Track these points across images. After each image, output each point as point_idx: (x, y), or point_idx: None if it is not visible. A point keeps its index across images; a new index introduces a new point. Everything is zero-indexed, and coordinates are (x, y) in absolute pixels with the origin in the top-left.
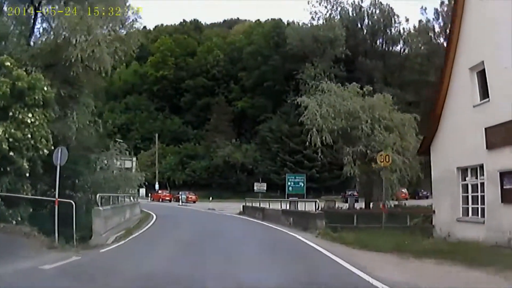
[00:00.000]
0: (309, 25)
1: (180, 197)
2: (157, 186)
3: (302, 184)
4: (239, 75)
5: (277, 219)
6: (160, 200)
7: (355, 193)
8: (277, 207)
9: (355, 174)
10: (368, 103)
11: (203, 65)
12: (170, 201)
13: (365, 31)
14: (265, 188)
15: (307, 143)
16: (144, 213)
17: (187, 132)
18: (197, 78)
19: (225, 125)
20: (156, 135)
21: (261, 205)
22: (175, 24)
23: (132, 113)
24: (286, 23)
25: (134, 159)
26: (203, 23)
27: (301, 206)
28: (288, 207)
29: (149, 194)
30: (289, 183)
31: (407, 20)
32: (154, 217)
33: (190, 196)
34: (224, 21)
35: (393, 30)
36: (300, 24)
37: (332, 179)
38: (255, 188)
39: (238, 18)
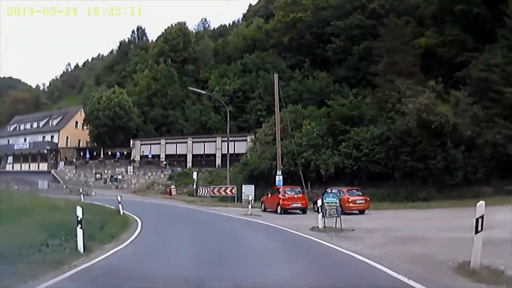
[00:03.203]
0: None
1: (326, 203)
2: (279, 178)
3: None
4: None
5: None
6: (279, 208)
7: None
8: None
9: None
10: None
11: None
12: (303, 210)
13: None
14: None
15: None
16: None
17: (341, 92)
18: (349, 17)
19: (409, 65)
20: (276, 93)
21: None
22: None
23: (252, 75)
24: None
25: (248, 138)
26: None
27: None
28: None
29: (262, 197)
30: None
31: None
32: None
33: (351, 199)
34: None
35: None
36: None
37: None
38: None
39: None
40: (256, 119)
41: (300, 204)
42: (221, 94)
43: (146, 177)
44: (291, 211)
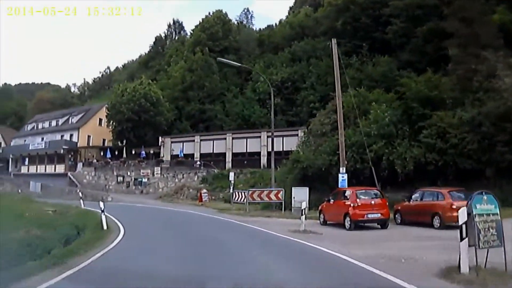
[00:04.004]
0: None
1: (478, 215)
2: (343, 178)
3: None
4: None
5: None
6: (349, 220)
7: None
8: None
9: None
10: None
11: None
12: (383, 223)
13: None
14: None
15: None
16: None
17: (409, 78)
18: None
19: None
20: (335, 60)
21: None
22: None
23: (302, 64)
24: None
25: (300, 132)
26: None
27: None
28: None
29: (320, 205)
30: None
31: None
32: None
33: (456, 205)
34: None
35: None
36: None
37: None
38: None
39: None
40: (308, 112)
41: (379, 215)
42: (267, 85)
43: (176, 179)
44: (367, 224)
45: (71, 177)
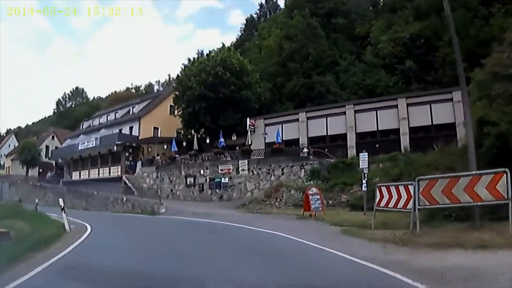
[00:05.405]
0: None
1: None
2: None
3: None
4: None
5: None
6: None
7: None
8: None
9: None
10: None
11: None
12: None
13: None
14: None
15: None
16: None
17: None
18: None
19: None
20: None
21: None
22: None
23: (432, 18)
24: None
25: (454, 96)
26: None
27: None
28: None
29: None
30: None
31: None
32: None
33: None
34: None
35: None
36: None
37: None
38: None
39: None
40: (451, 75)
41: None
42: (392, 47)
43: (273, 177)
44: None
45: (126, 181)
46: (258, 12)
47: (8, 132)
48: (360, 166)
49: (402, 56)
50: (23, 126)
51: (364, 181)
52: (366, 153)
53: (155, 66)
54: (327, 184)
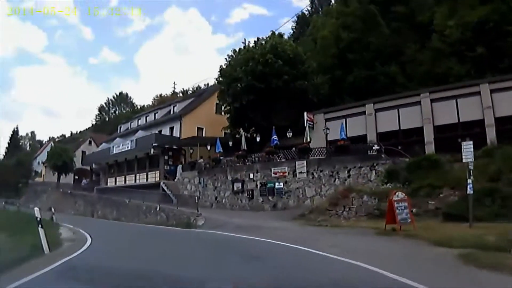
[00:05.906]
0: None
1: None
2: None
3: None
4: None
5: None
6: None
7: None
8: None
9: None
10: None
11: None
12: None
13: None
14: None
15: None
16: None
17: None
18: None
19: None
20: None
21: None
22: None
23: (497, 2)
24: None
25: None
26: None
27: None
28: None
29: None
30: None
31: None
32: None
33: None
34: None
35: None
36: None
37: None
38: None
39: None
40: None
41: None
42: (461, 32)
43: (337, 180)
44: None
45: (164, 187)
46: (309, 9)
47: (50, 140)
48: (464, 160)
49: (471, 43)
50: (67, 135)
51: (469, 181)
52: (471, 142)
53: (203, 74)
54: (409, 188)
